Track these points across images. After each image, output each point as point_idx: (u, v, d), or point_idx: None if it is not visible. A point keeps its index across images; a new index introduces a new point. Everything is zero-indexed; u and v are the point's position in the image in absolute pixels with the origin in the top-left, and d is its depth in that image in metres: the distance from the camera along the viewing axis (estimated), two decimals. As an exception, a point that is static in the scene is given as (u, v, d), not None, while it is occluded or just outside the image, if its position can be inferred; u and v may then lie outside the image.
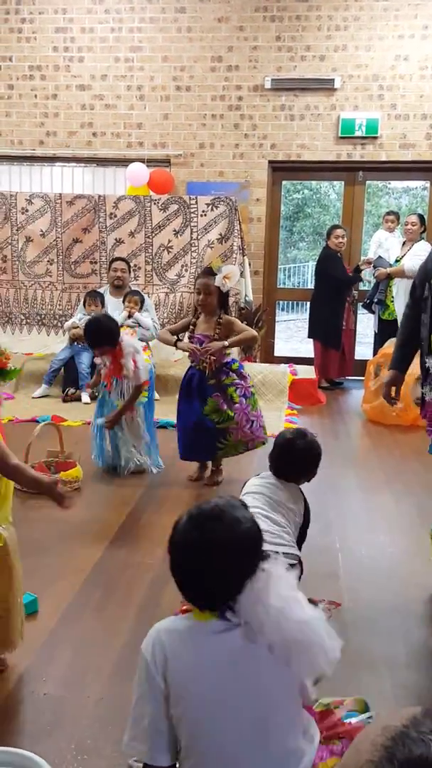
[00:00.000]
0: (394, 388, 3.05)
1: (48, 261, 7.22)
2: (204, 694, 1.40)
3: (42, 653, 2.31)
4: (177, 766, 1.46)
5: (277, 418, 5.79)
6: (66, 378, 6.70)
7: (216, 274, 3.99)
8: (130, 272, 6.83)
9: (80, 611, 2.50)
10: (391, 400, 3.08)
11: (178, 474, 4.36)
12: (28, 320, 7.36)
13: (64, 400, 6.45)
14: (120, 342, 4.20)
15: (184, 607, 1.51)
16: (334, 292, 7.21)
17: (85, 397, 6.42)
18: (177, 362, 6.91)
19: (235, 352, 5.88)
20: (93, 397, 6.28)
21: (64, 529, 3.38)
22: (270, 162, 7.98)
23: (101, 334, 4.17)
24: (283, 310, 13.79)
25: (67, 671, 2.24)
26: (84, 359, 6.54)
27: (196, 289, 4.09)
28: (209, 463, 4.33)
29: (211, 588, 1.43)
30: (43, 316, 7.32)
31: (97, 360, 4.46)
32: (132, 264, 7.03)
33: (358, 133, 7.75)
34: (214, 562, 1.41)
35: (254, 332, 4.20)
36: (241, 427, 4.05)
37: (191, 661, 1.42)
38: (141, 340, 6.52)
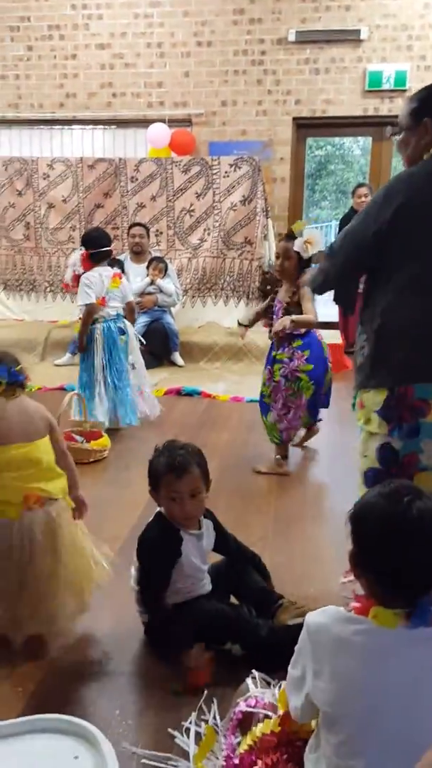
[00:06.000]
0: None
1: (71, 227, 7.17)
2: (376, 705, 1.31)
3: (84, 622, 2.35)
4: None
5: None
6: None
7: (296, 238, 3.66)
8: (149, 237, 6.75)
9: (116, 582, 2.50)
10: None
11: (213, 438, 4.30)
12: (52, 288, 7.35)
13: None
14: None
15: (357, 604, 1.40)
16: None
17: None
18: (200, 329, 6.87)
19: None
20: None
21: (97, 496, 3.40)
22: (294, 119, 7.77)
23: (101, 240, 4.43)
24: (307, 271, 13.58)
25: (108, 641, 2.28)
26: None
27: (276, 252, 3.92)
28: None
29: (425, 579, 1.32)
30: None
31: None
32: (154, 229, 6.95)
33: (385, 86, 7.49)
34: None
35: (313, 318, 3.71)
36: (275, 409, 3.76)
37: (366, 681, 1.32)
38: (162, 306, 6.51)
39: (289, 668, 1.51)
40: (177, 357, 6.42)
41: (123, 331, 4.48)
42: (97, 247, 4.39)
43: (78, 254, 4.66)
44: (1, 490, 2.14)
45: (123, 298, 4.50)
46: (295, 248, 3.64)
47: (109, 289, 4.38)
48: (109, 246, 4.49)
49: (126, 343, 4.50)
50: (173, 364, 6.40)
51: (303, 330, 3.72)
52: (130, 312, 4.62)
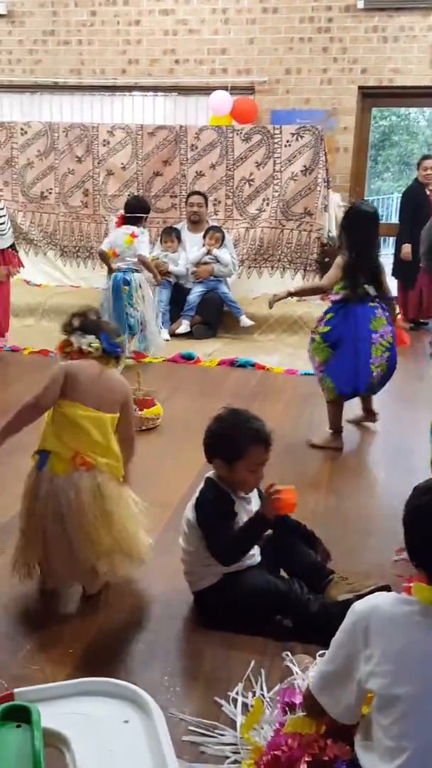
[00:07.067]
0: None
1: (129, 195, 7.12)
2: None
3: (134, 587, 2.39)
4: None
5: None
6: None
7: None
8: (207, 206, 6.67)
9: (167, 548, 2.51)
10: None
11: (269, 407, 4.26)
12: (109, 255, 7.34)
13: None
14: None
15: (408, 584, 1.41)
16: (416, 229, 6.85)
17: (165, 333, 6.37)
18: (255, 300, 6.78)
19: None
20: (173, 334, 6.28)
21: (149, 464, 3.41)
22: (360, 88, 7.54)
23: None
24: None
25: (158, 608, 2.30)
26: (163, 296, 6.46)
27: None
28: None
29: None
30: (123, 251, 7.29)
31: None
32: (212, 198, 6.86)
33: (457, 55, 7.20)
34: None
35: (321, 284, 4.01)
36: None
37: (417, 661, 1.32)
38: (218, 276, 6.45)
39: (323, 667, 1.47)
40: (245, 320, 6.36)
41: (127, 282, 5.34)
42: (129, 212, 5.53)
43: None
44: (56, 440, 2.20)
45: (134, 255, 5.35)
46: None
47: (122, 246, 5.37)
48: (136, 213, 5.51)
49: (129, 293, 5.33)
50: (223, 333, 6.40)
51: (338, 297, 3.73)
52: (144, 265, 5.41)
